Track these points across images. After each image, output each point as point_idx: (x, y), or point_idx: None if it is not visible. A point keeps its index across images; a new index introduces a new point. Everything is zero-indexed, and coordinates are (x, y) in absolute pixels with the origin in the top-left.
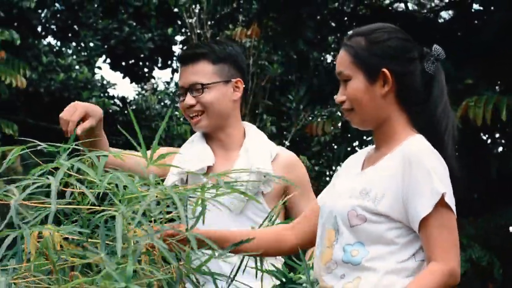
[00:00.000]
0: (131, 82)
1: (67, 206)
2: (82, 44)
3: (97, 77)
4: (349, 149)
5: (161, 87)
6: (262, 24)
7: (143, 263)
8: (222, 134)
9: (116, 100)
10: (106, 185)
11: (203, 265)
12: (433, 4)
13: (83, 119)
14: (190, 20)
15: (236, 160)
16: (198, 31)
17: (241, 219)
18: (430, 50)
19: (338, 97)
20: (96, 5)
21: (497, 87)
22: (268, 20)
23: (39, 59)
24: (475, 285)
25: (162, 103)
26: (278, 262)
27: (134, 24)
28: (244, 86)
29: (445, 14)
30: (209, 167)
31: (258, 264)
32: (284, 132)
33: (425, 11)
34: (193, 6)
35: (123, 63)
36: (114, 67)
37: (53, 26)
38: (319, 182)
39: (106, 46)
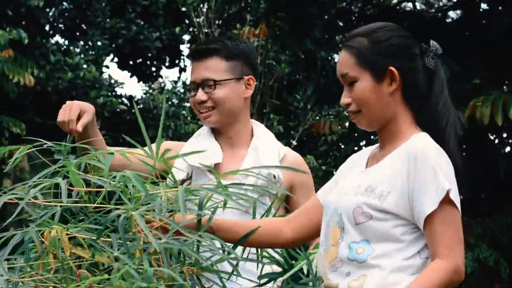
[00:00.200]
0: (138, 81)
1: (78, 205)
2: (90, 43)
3: (105, 76)
4: (356, 148)
5: (169, 86)
6: (269, 24)
7: (153, 261)
8: (231, 130)
9: (123, 99)
10: (117, 183)
11: (214, 265)
12: (441, 4)
13: (79, 116)
14: (197, 19)
15: (244, 159)
16: (206, 30)
17: (247, 217)
18: (428, 46)
19: (343, 100)
20: (104, 4)
21: (504, 87)
22: (275, 19)
23: (47, 58)
24: (482, 285)
25: (170, 102)
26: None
27: (142, 23)
28: (256, 83)
29: (453, 14)
30: (216, 164)
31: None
32: (292, 132)
33: (433, 10)
34: (201, 5)
35: (131, 62)
36: (121, 66)
37: (61, 25)
38: (326, 182)
39: (113, 45)
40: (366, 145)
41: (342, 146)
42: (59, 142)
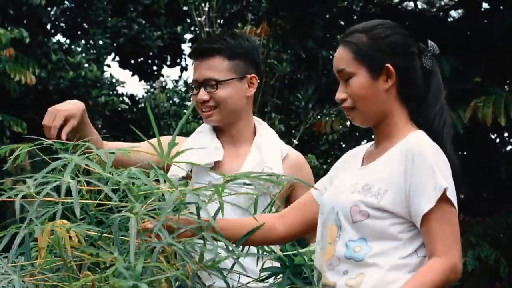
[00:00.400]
0: (140, 80)
1: (85, 201)
2: (91, 42)
3: (106, 75)
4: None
5: (170, 85)
6: (271, 23)
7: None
8: (233, 129)
9: (125, 98)
10: (123, 181)
11: (217, 263)
12: (442, 3)
13: (65, 121)
14: (199, 18)
15: (246, 156)
16: (207, 29)
17: (248, 215)
18: (426, 46)
19: (339, 95)
20: (105, 3)
21: (506, 86)
22: (277, 18)
23: (49, 57)
24: (483, 284)
25: (171, 101)
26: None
27: (143, 22)
28: (258, 81)
29: (454, 13)
30: (216, 162)
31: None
32: (293, 131)
33: (434, 10)
34: (203, 4)
35: (132, 61)
36: (123, 65)
37: (62, 24)
38: None
39: (115, 44)
40: None
41: (343, 145)
42: (61, 141)
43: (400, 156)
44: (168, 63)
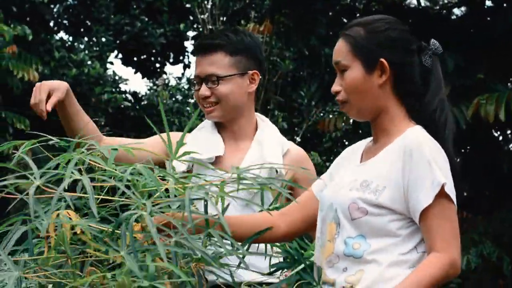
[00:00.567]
0: (142, 78)
1: (84, 195)
2: (94, 39)
3: (109, 72)
4: None
5: (173, 82)
6: (274, 20)
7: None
8: (235, 125)
9: (127, 95)
10: (127, 177)
11: (221, 257)
12: (445, 1)
13: (48, 96)
14: (202, 16)
15: (247, 151)
16: (210, 26)
17: (248, 210)
18: (429, 44)
19: (334, 87)
20: (108, 0)
21: (509, 84)
22: (280, 16)
23: (51, 54)
24: (486, 281)
25: (174, 99)
26: None
27: (146, 19)
28: (260, 77)
29: (458, 11)
30: (217, 157)
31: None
32: (296, 128)
33: (437, 7)
34: (205, 2)
35: (135, 59)
36: (126, 62)
37: (65, 21)
38: None
39: (118, 42)
40: None
41: (346, 143)
42: (64, 138)
43: (398, 152)
44: (171, 60)
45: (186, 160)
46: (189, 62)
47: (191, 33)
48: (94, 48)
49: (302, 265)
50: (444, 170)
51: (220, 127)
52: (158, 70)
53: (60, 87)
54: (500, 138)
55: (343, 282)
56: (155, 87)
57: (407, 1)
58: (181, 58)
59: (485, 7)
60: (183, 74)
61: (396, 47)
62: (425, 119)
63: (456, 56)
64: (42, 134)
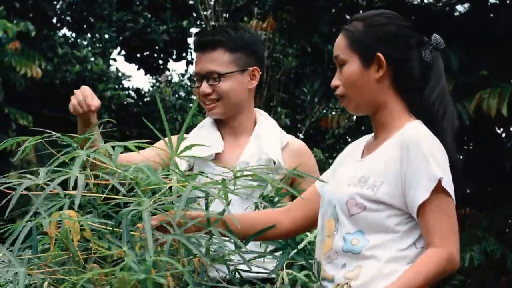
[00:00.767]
0: (145, 74)
1: (92, 195)
2: (97, 36)
3: (112, 69)
4: None
5: (176, 79)
6: (277, 17)
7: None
8: (235, 121)
9: (130, 92)
10: (130, 175)
11: (225, 256)
12: None
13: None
14: (205, 12)
15: (245, 146)
16: (213, 23)
17: (248, 203)
18: (430, 39)
19: (333, 82)
20: None
21: None
22: (283, 12)
23: (55, 51)
24: (489, 278)
25: (177, 95)
26: None
27: (149, 16)
28: (260, 73)
29: (461, 8)
30: (217, 153)
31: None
32: (298, 125)
33: (440, 4)
34: None
35: (138, 55)
36: (128, 59)
37: (68, 18)
38: None
39: (121, 38)
40: None
41: (349, 139)
42: (68, 134)
43: (396, 147)
44: (174, 57)
45: (188, 156)
46: (192, 59)
47: (194, 30)
48: (97, 45)
49: (295, 250)
50: (441, 165)
51: (220, 123)
52: (161, 66)
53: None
54: (503, 134)
55: (341, 278)
56: (158, 84)
57: None
58: (184, 54)
59: (489, 3)
60: (186, 70)
61: (395, 42)
62: (424, 113)
63: (459, 53)
64: (45, 130)
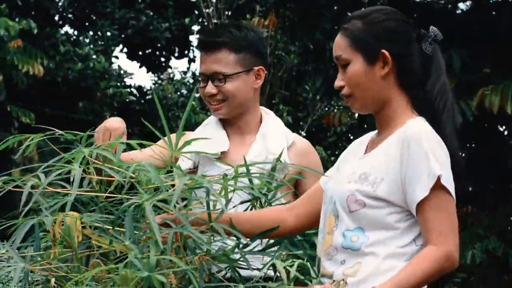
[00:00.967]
0: (147, 72)
1: (91, 193)
2: (99, 34)
3: (114, 66)
4: None
5: (178, 76)
6: (279, 14)
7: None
8: (240, 120)
9: (133, 89)
10: (131, 173)
11: (227, 254)
12: None
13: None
14: (207, 10)
15: (251, 144)
16: (215, 20)
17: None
18: (428, 31)
19: (337, 82)
20: None
21: None
22: (285, 10)
23: (56, 48)
24: (491, 276)
25: (179, 93)
26: None
27: (151, 13)
28: (266, 72)
29: (463, 5)
30: (222, 152)
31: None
32: (300, 122)
33: (442, 2)
34: None
35: (140, 53)
36: (131, 56)
37: (70, 15)
38: None
39: (123, 36)
40: None
41: (351, 137)
42: (70, 132)
43: (397, 144)
44: (176, 54)
45: (192, 152)
46: (194, 56)
47: (196, 27)
48: (99, 42)
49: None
50: (441, 162)
51: (225, 122)
52: (163, 64)
53: (120, 126)
54: (505, 132)
55: (341, 275)
56: (160, 81)
57: None
58: (186, 52)
59: (491, 1)
60: (188, 68)
61: (395, 37)
62: (427, 109)
63: (461, 52)
64: (47, 128)
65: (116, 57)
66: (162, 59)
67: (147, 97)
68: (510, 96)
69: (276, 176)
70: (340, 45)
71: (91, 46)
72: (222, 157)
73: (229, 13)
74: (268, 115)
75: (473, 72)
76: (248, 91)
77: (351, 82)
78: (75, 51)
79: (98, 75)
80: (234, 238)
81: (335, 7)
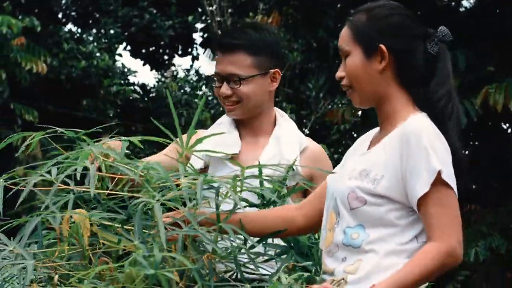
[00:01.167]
0: (151, 70)
1: (96, 191)
2: (103, 31)
3: (118, 64)
4: None
5: (181, 74)
6: (282, 12)
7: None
8: (254, 122)
9: (136, 87)
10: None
11: (233, 254)
12: None
13: None
14: (210, 8)
15: (264, 147)
16: (219, 18)
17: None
18: (436, 31)
19: (338, 73)
20: None
21: None
22: (288, 8)
23: (60, 46)
24: (494, 273)
25: (182, 90)
26: None
27: (155, 11)
28: (281, 75)
29: (466, 3)
30: (235, 153)
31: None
32: (304, 120)
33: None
34: None
35: (144, 51)
36: (134, 54)
37: (73, 13)
38: None
39: (126, 34)
40: None
41: (355, 135)
42: (73, 129)
43: (397, 140)
44: (179, 52)
45: (202, 150)
46: (198, 54)
47: (199, 25)
48: (103, 40)
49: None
50: (442, 157)
51: (239, 122)
52: (167, 62)
53: None
54: (509, 130)
55: (341, 272)
56: (163, 79)
57: None
58: (189, 50)
59: None
60: (191, 66)
61: (398, 33)
62: (429, 107)
63: (466, 51)
64: (50, 126)
65: (120, 55)
66: (166, 57)
67: (151, 95)
68: None
69: (288, 182)
70: (343, 37)
71: (95, 44)
72: (233, 157)
73: (232, 10)
74: (282, 117)
75: (477, 70)
76: (263, 94)
77: (350, 73)
78: (79, 49)
79: (102, 73)
80: (242, 237)
81: (338, 5)
